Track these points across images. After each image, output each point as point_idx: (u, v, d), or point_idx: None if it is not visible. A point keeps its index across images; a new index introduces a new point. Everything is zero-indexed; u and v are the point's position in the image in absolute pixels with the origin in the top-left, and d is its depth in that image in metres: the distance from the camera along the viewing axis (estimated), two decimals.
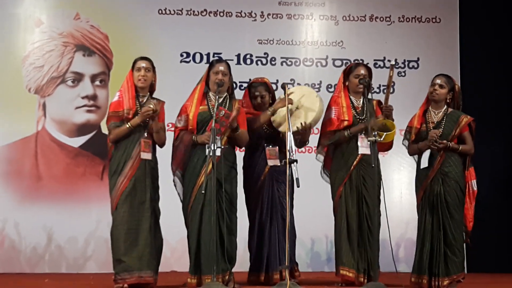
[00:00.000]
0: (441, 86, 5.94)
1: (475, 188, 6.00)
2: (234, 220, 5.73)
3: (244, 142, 5.88)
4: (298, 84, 8.35)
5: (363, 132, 5.83)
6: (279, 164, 5.91)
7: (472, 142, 5.93)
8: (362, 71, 6.01)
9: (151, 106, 5.54)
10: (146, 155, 5.59)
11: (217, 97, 5.62)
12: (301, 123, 5.79)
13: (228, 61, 5.97)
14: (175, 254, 7.65)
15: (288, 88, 5.82)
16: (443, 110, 5.97)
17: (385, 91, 6.52)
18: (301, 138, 5.94)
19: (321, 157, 6.20)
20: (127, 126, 5.56)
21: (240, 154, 6.02)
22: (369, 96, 5.92)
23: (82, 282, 6.80)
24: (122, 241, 5.52)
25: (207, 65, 5.98)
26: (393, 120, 5.87)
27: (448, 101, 5.98)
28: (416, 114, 6.07)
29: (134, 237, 5.53)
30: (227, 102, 5.80)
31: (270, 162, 5.95)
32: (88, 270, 7.95)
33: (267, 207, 5.96)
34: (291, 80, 8.43)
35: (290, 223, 5.78)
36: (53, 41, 8.33)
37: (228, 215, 5.62)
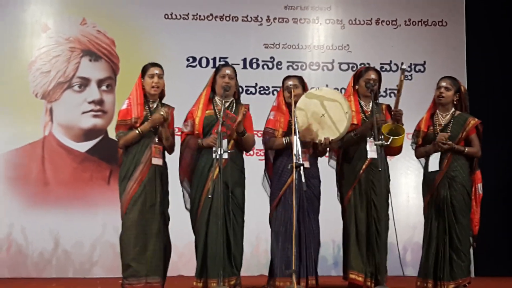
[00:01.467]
0: (447, 89, 5.93)
1: (481, 192, 5.99)
2: (241, 224, 5.72)
3: (250, 147, 5.89)
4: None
5: (372, 136, 5.79)
6: (308, 166, 5.75)
7: (479, 145, 5.91)
8: (373, 75, 5.98)
9: (162, 113, 5.55)
10: (157, 161, 5.62)
11: (223, 101, 5.61)
12: (324, 138, 5.68)
13: (234, 66, 5.98)
14: (183, 258, 7.64)
15: (318, 88, 5.82)
16: (450, 112, 5.96)
17: (392, 94, 6.53)
18: (320, 149, 5.85)
19: (334, 163, 6.18)
20: (137, 132, 5.57)
21: (247, 159, 5.99)
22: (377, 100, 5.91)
23: (89, 287, 6.81)
24: (132, 246, 5.53)
25: (213, 69, 5.98)
26: (402, 124, 5.85)
27: (455, 103, 5.97)
28: (423, 118, 6.06)
29: (143, 242, 5.53)
30: (234, 107, 5.79)
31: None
32: (95, 275, 7.96)
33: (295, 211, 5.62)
34: None
35: (316, 231, 5.79)
36: (60, 46, 8.35)
37: (235, 219, 5.62)
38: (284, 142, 5.76)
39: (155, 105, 5.74)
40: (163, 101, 5.85)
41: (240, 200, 5.71)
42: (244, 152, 5.92)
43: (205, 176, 5.62)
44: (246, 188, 5.82)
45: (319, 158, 5.96)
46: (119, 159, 5.79)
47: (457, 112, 5.96)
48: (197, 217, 5.65)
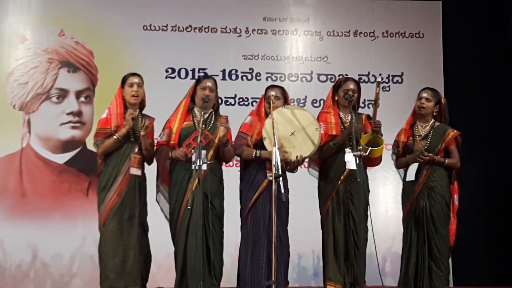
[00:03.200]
0: (427, 100, 5.98)
1: (457, 203, 6.04)
2: (220, 235, 5.71)
3: (231, 158, 5.87)
4: None
5: (350, 147, 5.81)
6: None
7: (458, 156, 5.96)
8: (351, 86, 5.99)
9: (132, 112, 5.55)
10: (136, 171, 5.60)
11: (202, 112, 5.61)
12: (297, 156, 5.63)
13: (214, 77, 5.97)
14: (162, 270, 7.60)
15: (285, 107, 5.80)
16: (430, 123, 6.01)
17: (370, 105, 6.53)
18: (292, 167, 5.81)
19: (314, 171, 6.17)
20: (115, 137, 5.56)
21: (227, 169, 5.99)
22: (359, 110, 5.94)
23: None
24: (110, 257, 5.52)
25: (193, 80, 5.99)
26: (381, 135, 5.88)
27: (435, 114, 6.02)
28: (403, 128, 6.11)
29: (122, 253, 5.52)
30: (213, 118, 5.80)
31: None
32: (74, 287, 7.90)
33: (266, 222, 5.68)
34: None
35: (284, 242, 5.75)
36: (38, 58, 8.30)
37: (215, 230, 5.61)
38: (253, 155, 5.70)
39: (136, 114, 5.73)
40: (144, 112, 5.85)
41: (219, 211, 5.71)
42: (224, 163, 5.92)
43: (184, 187, 5.61)
44: (226, 199, 5.82)
45: (299, 169, 5.95)
46: (97, 169, 5.77)
47: (437, 123, 6.02)
48: (177, 229, 5.63)
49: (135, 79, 5.73)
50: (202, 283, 5.25)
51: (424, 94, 6.01)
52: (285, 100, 5.92)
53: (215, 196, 5.67)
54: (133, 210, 5.59)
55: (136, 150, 5.63)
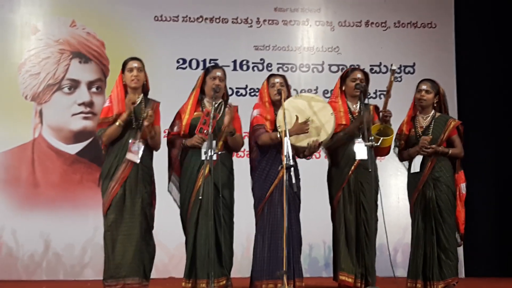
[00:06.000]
0: (427, 92, 5.98)
1: (464, 192, 6.02)
2: (230, 225, 5.70)
3: (240, 147, 5.85)
4: (295, 90, 8.35)
5: (360, 137, 5.79)
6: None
7: (461, 145, 5.96)
8: (359, 75, 6.00)
9: (130, 97, 5.49)
10: (131, 156, 5.51)
11: (213, 102, 5.58)
12: (313, 141, 5.64)
13: (225, 67, 5.95)
14: (173, 260, 7.63)
15: (298, 95, 5.79)
16: (431, 114, 6.01)
17: (381, 96, 6.51)
18: (307, 153, 5.78)
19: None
20: (117, 124, 5.49)
21: (238, 160, 5.98)
22: (366, 101, 5.92)
23: None
24: (110, 246, 5.51)
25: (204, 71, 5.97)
26: (390, 125, 5.86)
27: (435, 105, 6.02)
28: (404, 121, 6.09)
29: (123, 243, 5.49)
30: (222, 108, 5.78)
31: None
32: (86, 277, 7.94)
33: (282, 212, 5.54)
34: None
35: (298, 232, 5.74)
36: (49, 48, 8.33)
37: (225, 220, 5.61)
38: (278, 136, 5.60)
39: (138, 100, 5.65)
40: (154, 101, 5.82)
41: (229, 201, 5.70)
42: (235, 153, 5.91)
43: (194, 177, 5.60)
44: (237, 189, 5.81)
45: (305, 160, 5.93)
46: (103, 158, 5.75)
47: (437, 114, 6.01)
48: (187, 218, 5.64)
49: (135, 64, 5.65)
50: (212, 273, 5.23)
51: (424, 86, 6.00)
52: (287, 88, 5.90)
53: (225, 186, 5.65)
54: (136, 200, 5.53)
55: (138, 137, 5.55)
